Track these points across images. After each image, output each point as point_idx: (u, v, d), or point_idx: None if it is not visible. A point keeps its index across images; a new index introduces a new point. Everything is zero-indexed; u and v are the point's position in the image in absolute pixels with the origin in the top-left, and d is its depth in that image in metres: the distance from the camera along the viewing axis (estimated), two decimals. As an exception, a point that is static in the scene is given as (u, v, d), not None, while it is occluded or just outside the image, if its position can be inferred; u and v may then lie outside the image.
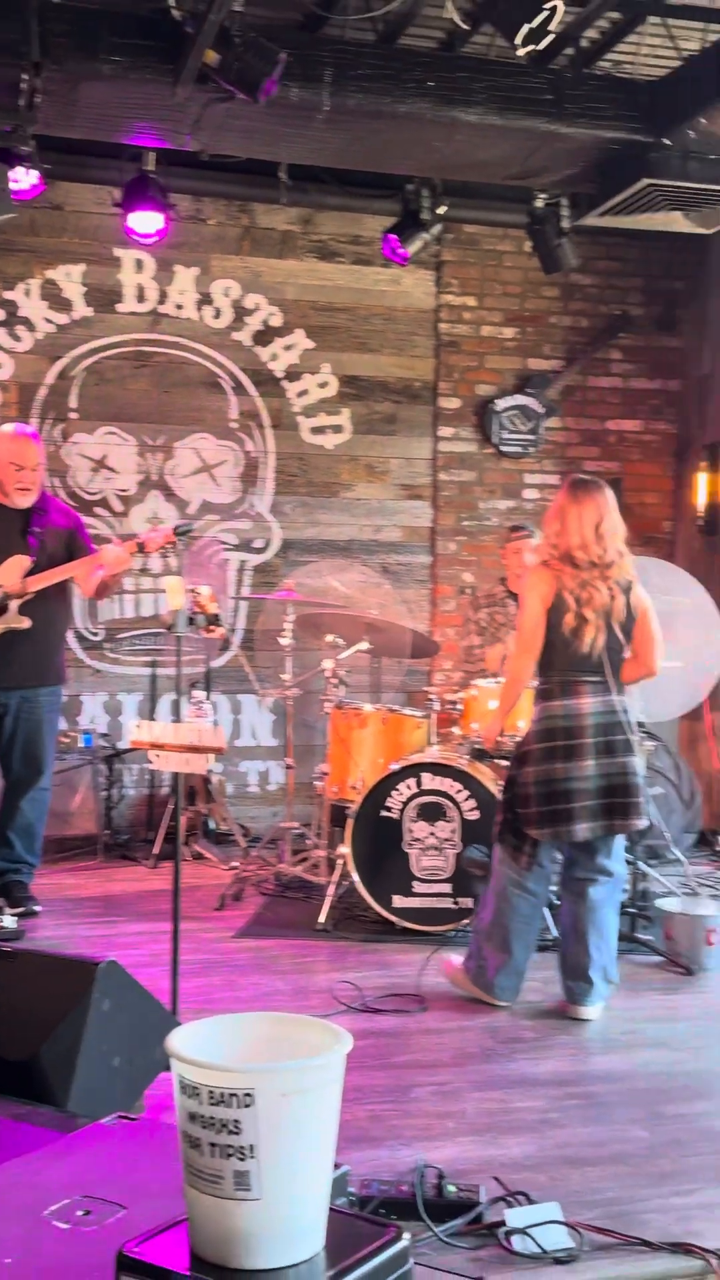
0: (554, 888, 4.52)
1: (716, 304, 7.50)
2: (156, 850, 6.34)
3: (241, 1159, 1.79)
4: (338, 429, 7.34)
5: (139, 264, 7.02)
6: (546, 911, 4.60)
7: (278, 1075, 1.79)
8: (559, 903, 4.45)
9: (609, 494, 4.31)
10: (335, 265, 7.29)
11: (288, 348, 7.24)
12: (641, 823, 4.25)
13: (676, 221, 6.30)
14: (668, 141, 5.64)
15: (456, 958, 4.42)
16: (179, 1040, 1.88)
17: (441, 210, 6.79)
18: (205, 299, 7.12)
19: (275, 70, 4.84)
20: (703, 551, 7.48)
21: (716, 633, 6.38)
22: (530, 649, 4.20)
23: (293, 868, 5.78)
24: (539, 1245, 2.58)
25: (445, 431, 7.49)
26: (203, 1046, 1.88)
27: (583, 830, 4.14)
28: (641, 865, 5.44)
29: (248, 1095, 1.77)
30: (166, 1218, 1.96)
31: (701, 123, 5.46)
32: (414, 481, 7.47)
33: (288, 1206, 1.81)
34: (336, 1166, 2.13)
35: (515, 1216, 2.67)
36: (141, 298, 7.04)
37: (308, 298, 7.26)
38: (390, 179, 6.73)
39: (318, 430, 7.31)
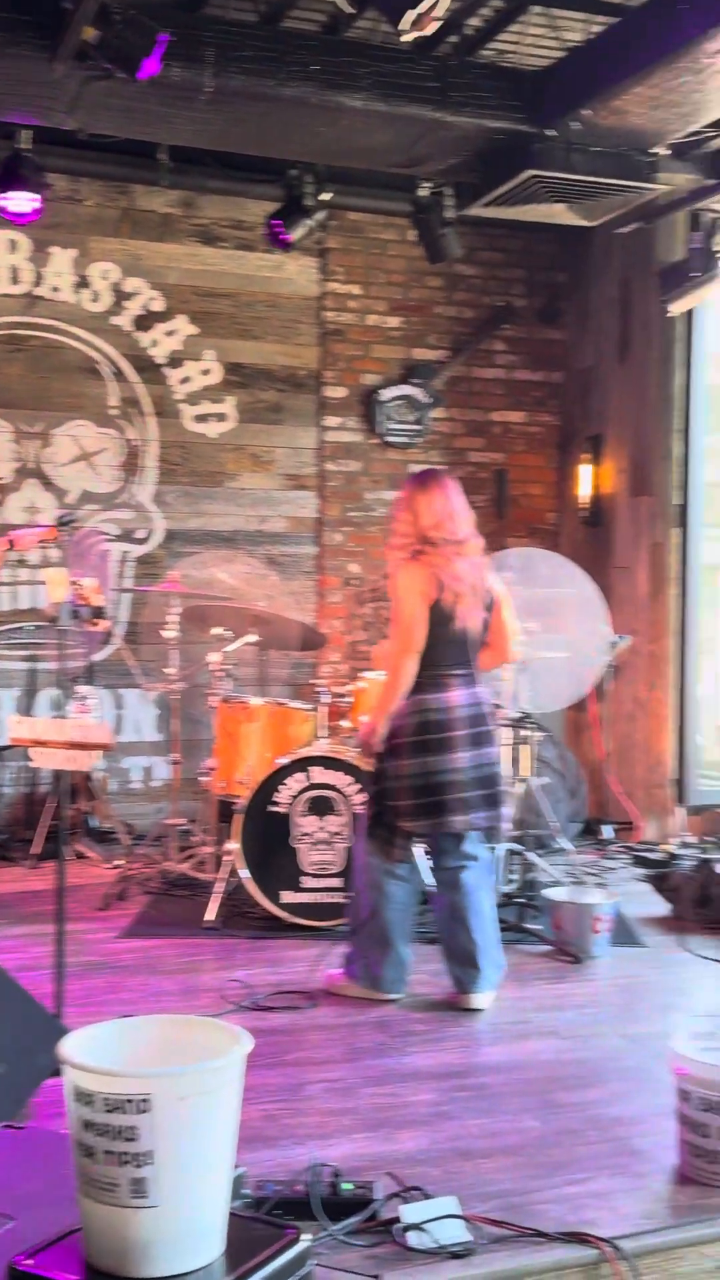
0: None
1: (598, 297, 7.63)
2: (36, 850, 6.22)
3: (138, 1166, 1.77)
4: (221, 417, 7.28)
5: (13, 244, 6.87)
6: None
7: (176, 1079, 1.78)
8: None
9: (454, 482, 4.38)
10: (217, 250, 7.23)
11: (169, 333, 7.16)
12: (507, 811, 4.32)
13: (559, 214, 6.39)
14: (552, 133, 5.72)
15: (335, 969, 4.42)
16: (72, 1046, 1.85)
17: (325, 197, 6.78)
18: (83, 282, 7.00)
19: (155, 49, 4.78)
20: (586, 543, 7.62)
21: (601, 624, 6.51)
22: (414, 647, 4.18)
23: (179, 865, 5.73)
24: (435, 1240, 2.60)
25: (331, 421, 7.50)
26: (97, 1052, 1.86)
27: (459, 822, 4.19)
28: (529, 855, 5.52)
29: (144, 1100, 1.75)
30: (58, 1228, 1.93)
31: (585, 114, 5.54)
32: (299, 471, 7.46)
33: (187, 1212, 1.80)
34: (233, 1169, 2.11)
35: (411, 1212, 2.68)
36: (16, 279, 6.89)
37: (190, 282, 7.19)
38: (273, 163, 6.69)
39: (201, 418, 7.25)
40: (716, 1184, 2.90)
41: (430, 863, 4.39)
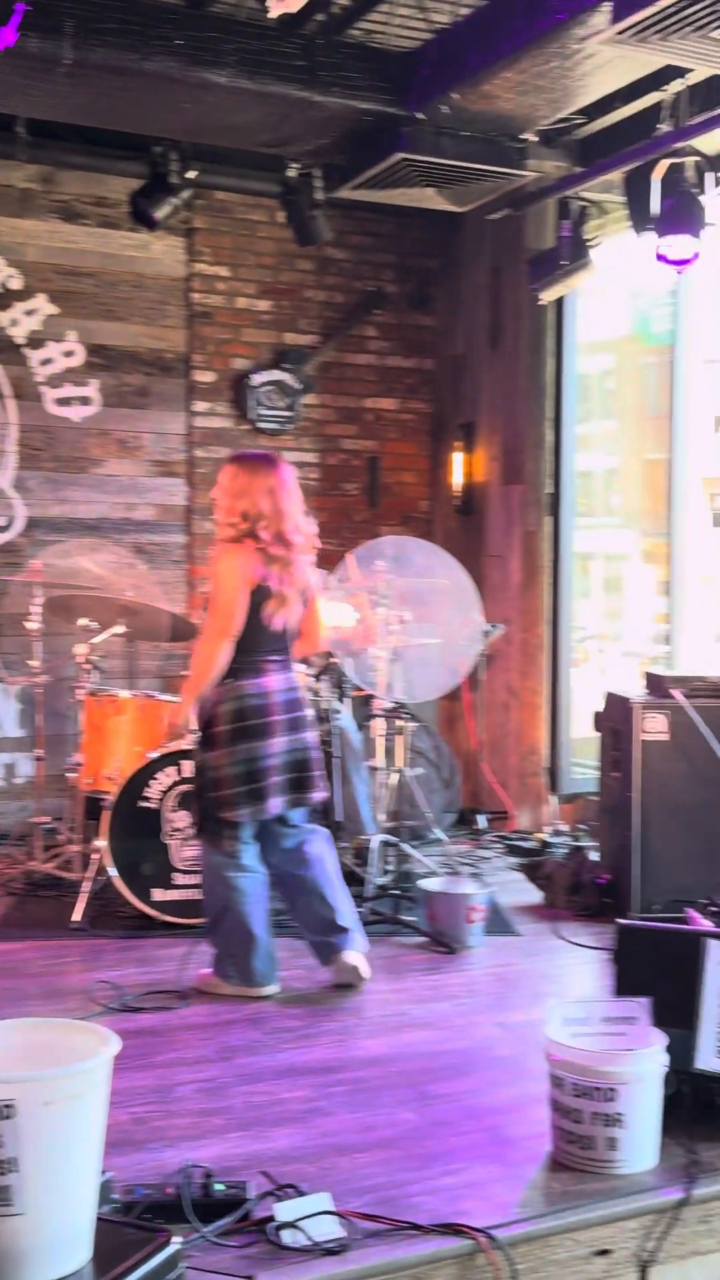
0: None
1: (468, 283, 7.71)
2: None
3: (2, 1174, 1.75)
4: (85, 401, 7.17)
5: None
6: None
7: (39, 1084, 1.76)
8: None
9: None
10: (79, 227, 7.11)
11: (29, 313, 7.02)
12: (322, 795, 4.45)
13: (429, 198, 6.45)
14: (421, 116, 5.76)
15: (207, 968, 4.41)
16: (-71, 1054, 1.81)
17: (191, 175, 6.72)
18: (-63, 259, 6.84)
19: (12, 18, 4.68)
20: (459, 531, 7.70)
21: (474, 612, 6.59)
22: (231, 632, 4.22)
23: (44, 865, 5.65)
24: (309, 1237, 2.62)
25: (200, 406, 7.44)
26: (-44, 1059, 1.83)
27: (275, 804, 4.27)
28: (404, 846, 5.57)
29: (7, 1106, 1.73)
30: None
31: (454, 98, 5.59)
32: (168, 458, 7.39)
33: (53, 1220, 1.78)
34: (101, 1173, 2.10)
35: (284, 1210, 2.69)
36: None
37: (50, 260, 7.06)
38: (137, 139, 6.60)
39: (63, 402, 7.12)
40: (590, 1170, 2.97)
41: (269, 847, 4.42)
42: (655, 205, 5.68)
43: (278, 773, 4.27)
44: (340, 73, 5.64)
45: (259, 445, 7.55)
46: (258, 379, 7.51)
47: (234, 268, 7.49)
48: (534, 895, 5.69)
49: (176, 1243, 2.08)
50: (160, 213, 6.71)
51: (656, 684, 5.33)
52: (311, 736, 4.42)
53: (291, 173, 6.68)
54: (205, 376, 7.45)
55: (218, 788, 4.24)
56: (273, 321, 7.61)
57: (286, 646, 4.38)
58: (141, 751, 5.19)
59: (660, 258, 5.67)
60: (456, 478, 7.72)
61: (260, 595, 4.23)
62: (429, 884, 5.11)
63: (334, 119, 5.84)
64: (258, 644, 4.28)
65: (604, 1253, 2.77)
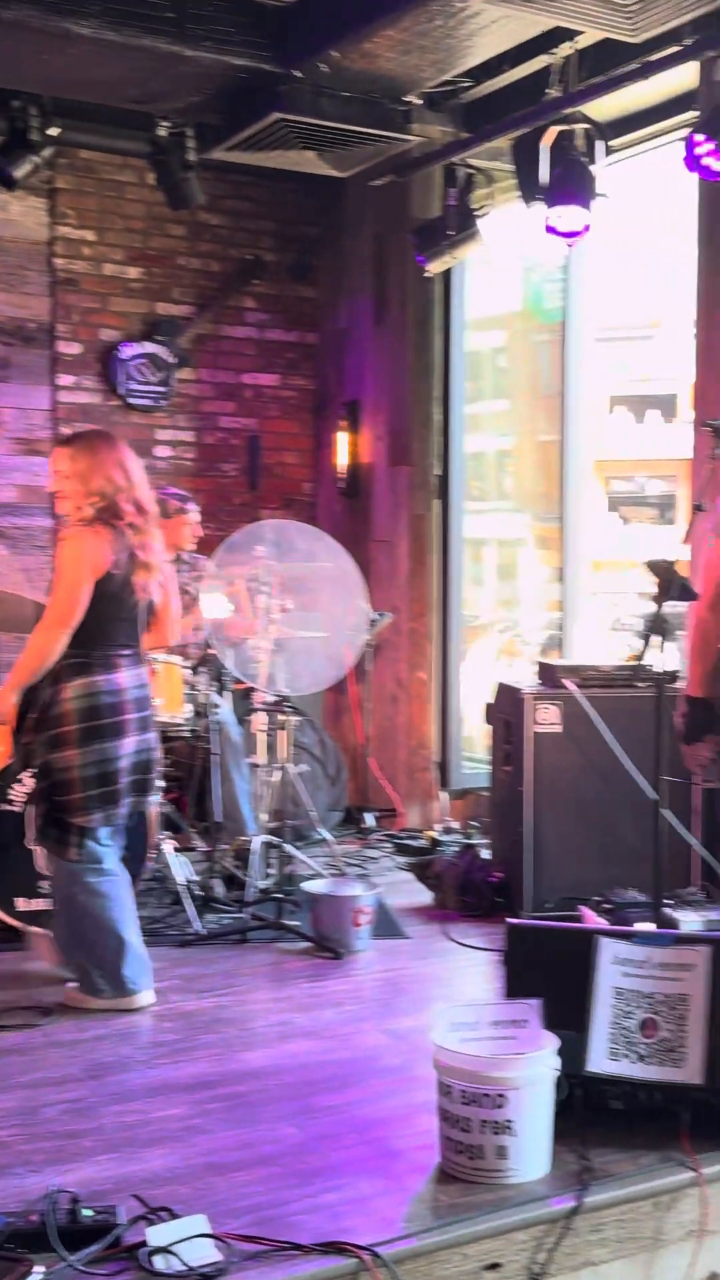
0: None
1: (351, 254, 7.70)
2: None
3: None
4: (-60, 374, 7.03)
5: None
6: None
7: None
8: None
9: None
10: (-69, 187, 6.96)
11: None
12: (156, 799, 4.50)
13: (309, 162, 6.45)
14: (299, 74, 5.74)
15: (72, 982, 4.35)
16: None
17: (53, 132, 6.61)
18: None
19: None
20: (344, 514, 7.71)
21: (360, 600, 6.59)
22: (69, 622, 4.17)
23: None
24: (183, 1262, 2.60)
25: (65, 380, 7.33)
26: None
27: (125, 807, 4.28)
28: (287, 847, 5.56)
29: None
30: None
31: (334, 56, 5.59)
32: (31, 435, 7.27)
33: None
34: (-46, 1204, 2.06)
35: (157, 1234, 2.67)
36: None
37: None
38: (-6, 93, 6.49)
39: None
40: (478, 1180, 2.99)
41: None
42: (544, 174, 5.73)
43: (129, 774, 4.26)
44: (212, 26, 5.61)
45: (130, 423, 7.48)
46: (128, 351, 7.42)
47: (101, 232, 7.40)
48: (423, 896, 5.72)
49: (39, 1272, 2.05)
50: (19, 171, 6.59)
51: (549, 674, 5.39)
52: (155, 736, 4.42)
53: (162, 131, 6.62)
54: (71, 348, 7.35)
55: (68, 790, 4.18)
56: (143, 290, 7.53)
57: (137, 639, 4.35)
58: (3, 751, 5.09)
59: (550, 229, 5.73)
60: (341, 459, 7.72)
61: (120, 578, 4.19)
62: (313, 886, 5.11)
63: (206, 75, 5.81)
64: (110, 636, 4.24)
65: (494, 1266, 2.80)
